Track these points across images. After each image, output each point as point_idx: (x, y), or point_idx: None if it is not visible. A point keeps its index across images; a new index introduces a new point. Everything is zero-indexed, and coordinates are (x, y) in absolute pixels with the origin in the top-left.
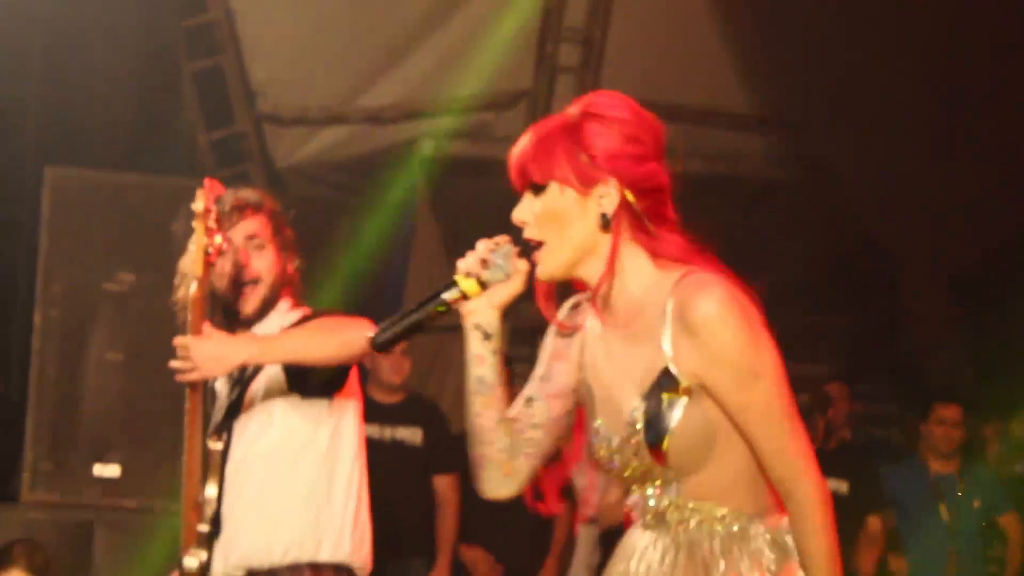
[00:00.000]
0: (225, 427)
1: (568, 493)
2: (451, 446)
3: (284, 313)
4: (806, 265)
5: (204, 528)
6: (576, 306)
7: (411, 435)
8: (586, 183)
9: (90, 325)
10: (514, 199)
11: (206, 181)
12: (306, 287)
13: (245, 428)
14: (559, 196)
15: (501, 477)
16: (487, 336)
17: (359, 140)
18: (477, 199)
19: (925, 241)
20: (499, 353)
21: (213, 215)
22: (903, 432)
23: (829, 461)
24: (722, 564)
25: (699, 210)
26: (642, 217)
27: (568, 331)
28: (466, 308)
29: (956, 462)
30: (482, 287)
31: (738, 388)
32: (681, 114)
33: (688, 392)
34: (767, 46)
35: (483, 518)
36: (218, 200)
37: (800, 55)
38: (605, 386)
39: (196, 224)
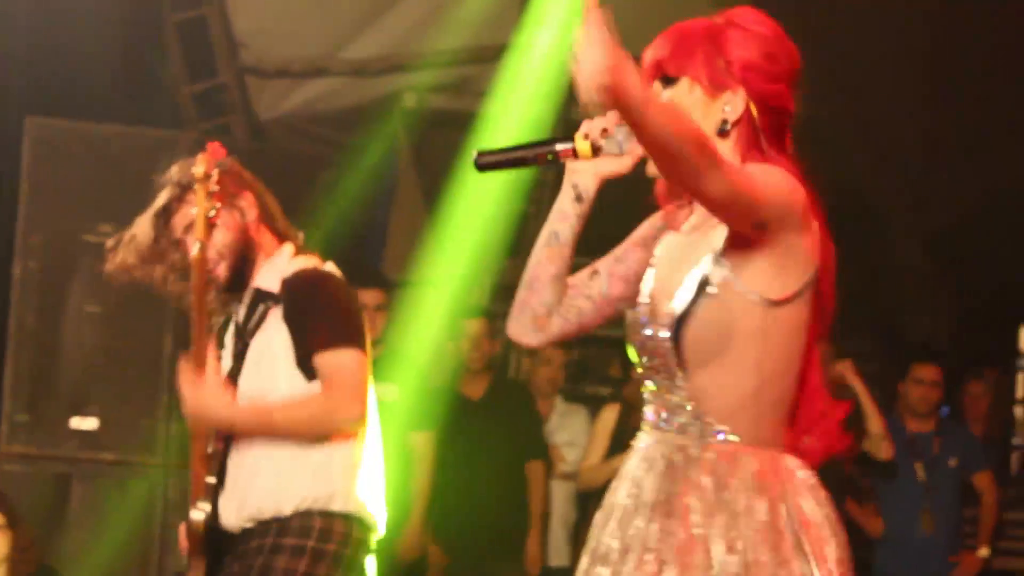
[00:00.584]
0: (232, 378)
1: (542, 450)
2: (427, 403)
3: (286, 261)
4: None
5: (211, 480)
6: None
7: (386, 392)
8: (716, 86)
9: (69, 277)
10: None
11: (209, 145)
12: None
13: (252, 380)
14: (687, 92)
15: (530, 326)
16: (579, 198)
17: (342, 93)
18: (459, 153)
19: (905, 198)
20: (581, 220)
21: (214, 179)
22: (882, 391)
23: None
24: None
25: None
26: (759, 133)
27: (668, 223)
28: (571, 165)
29: (933, 421)
30: (594, 152)
31: None
32: None
33: (720, 285)
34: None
35: (459, 476)
36: (218, 164)
37: (795, 25)
38: (660, 274)
39: (197, 188)
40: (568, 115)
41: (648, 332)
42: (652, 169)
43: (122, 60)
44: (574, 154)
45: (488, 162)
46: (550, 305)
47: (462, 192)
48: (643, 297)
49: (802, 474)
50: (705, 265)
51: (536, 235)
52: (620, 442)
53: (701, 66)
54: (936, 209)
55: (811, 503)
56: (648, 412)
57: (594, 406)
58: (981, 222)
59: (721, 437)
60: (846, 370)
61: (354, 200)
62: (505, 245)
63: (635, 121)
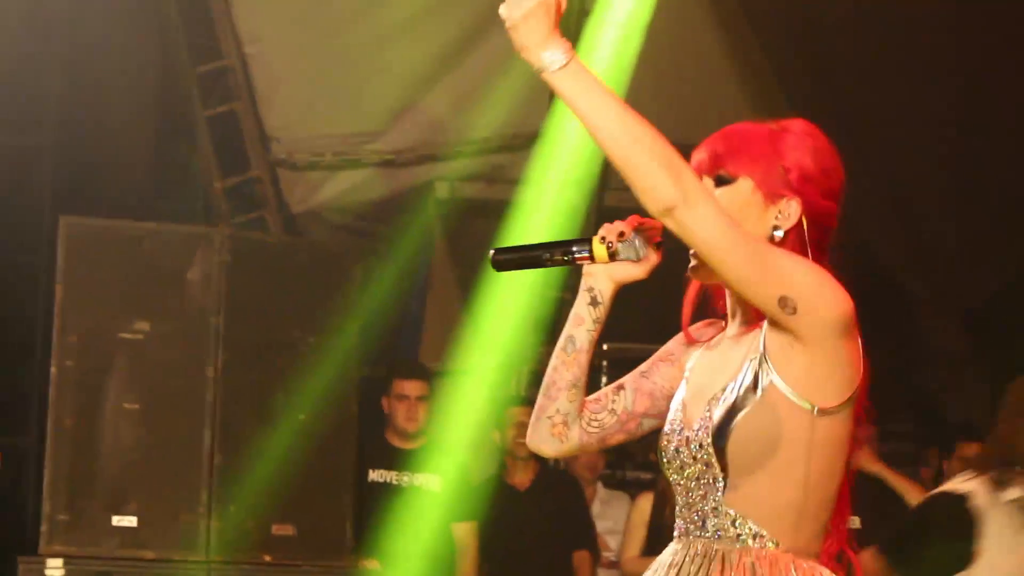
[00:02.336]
0: None
1: (590, 540)
2: (470, 494)
3: None
4: None
5: None
6: (711, 324)
7: (429, 481)
8: (776, 192)
9: (106, 374)
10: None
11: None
12: (324, 333)
13: None
14: (746, 194)
15: (548, 434)
16: (594, 303)
17: (374, 184)
18: (493, 241)
19: (940, 277)
20: (598, 325)
21: None
22: (915, 470)
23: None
24: None
25: None
26: (807, 247)
27: (692, 342)
28: (587, 269)
29: None
30: (611, 257)
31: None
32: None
33: (766, 389)
34: (783, 86)
35: (506, 566)
36: None
37: (815, 93)
38: (696, 383)
39: None
40: (601, 202)
41: (685, 439)
42: (693, 275)
43: (154, 156)
44: (591, 258)
45: (504, 260)
46: (567, 414)
47: (497, 280)
48: (676, 408)
49: None
50: (749, 368)
51: None
52: (657, 531)
53: (763, 170)
54: (970, 286)
55: None
56: (680, 523)
57: (636, 492)
58: (1016, 297)
59: (760, 543)
60: (864, 460)
61: (389, 291)
62: (541, 332)
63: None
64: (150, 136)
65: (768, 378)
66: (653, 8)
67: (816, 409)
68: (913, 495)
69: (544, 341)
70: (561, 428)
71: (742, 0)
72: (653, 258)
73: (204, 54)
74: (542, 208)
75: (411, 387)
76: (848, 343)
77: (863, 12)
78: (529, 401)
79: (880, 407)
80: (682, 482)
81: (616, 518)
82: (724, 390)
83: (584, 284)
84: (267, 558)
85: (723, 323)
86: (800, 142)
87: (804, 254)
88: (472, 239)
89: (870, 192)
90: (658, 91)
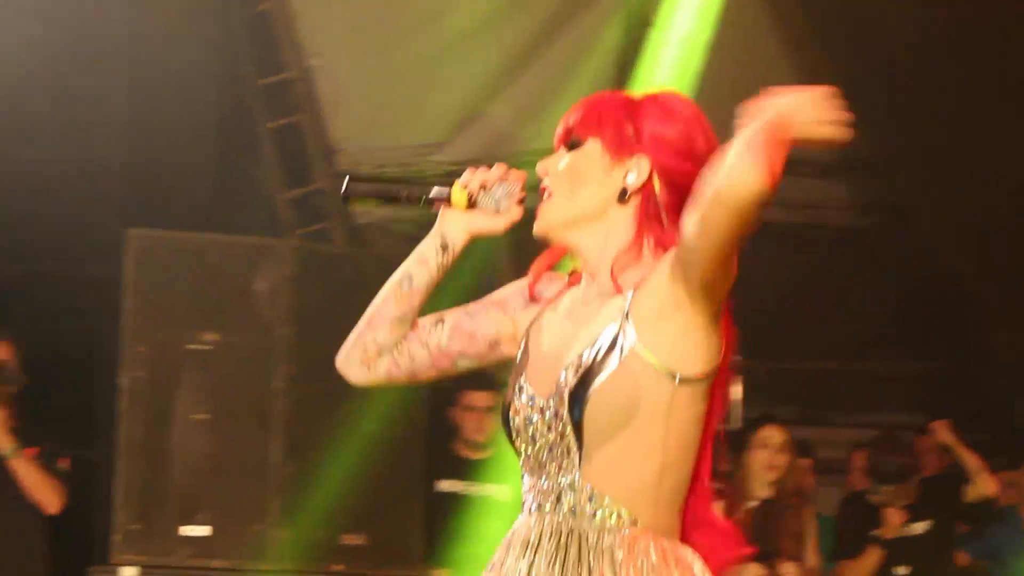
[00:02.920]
0: None
1: None
2: None
3: None
4: (890, 312)
5: None
6: (550, 278)
7: (500, 491)
8: (621, 151)
9: (175, 385)
10: None
11: None
12: None
13: None
14: (590, 155)
15: (358, 359)
16: (444, 248)
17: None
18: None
19: (1011, 285)
20: (441, 272)
21: None
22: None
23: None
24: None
25: (783, 258)
26: (661, 208)
27: (534, 300)
28: (443, 213)
29: None
30: (469, 205)
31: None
32: None
33: (629, 354)
34: (849, 92)
35: None
36: None
37: (883, 101)
38: (548, 350)
39: None
40: None
41: (539, 408)
42: (539, 229)
43: (219, 169)
44: (448, 202)
45: (357, 191)
46: (383, 345)
47: None
48: (521, 374)
49: (699, 568)
50: (610, 332)
51: None
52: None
53: (610, 129)
54: None
55: None
56: (528, 498)
57: None
58: None
59: (617, 522)
60: (940, 430)
61: (456, 300)
62: None
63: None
64: (215, 149)
65: (629, 342)
66: (717, 20)
67: (678, 377)
68: (971, 461)
69: None
70: (372, 356)
71: (806, 11)
72: (514, 213)
73: (267, 67)
74: None
75: (479, 398)
76: (717, 319)
77: (930, 22)
78: None
79: (950, 416)
80: (532, 454)
81: None
82: (581, 356)
83: (437, 227)
84: (337, 568)
85: (564, 279)
86: (660, 108)
87: (656, 215)
88: (537, 250)
89: (939, 202)
90: (721, 102)
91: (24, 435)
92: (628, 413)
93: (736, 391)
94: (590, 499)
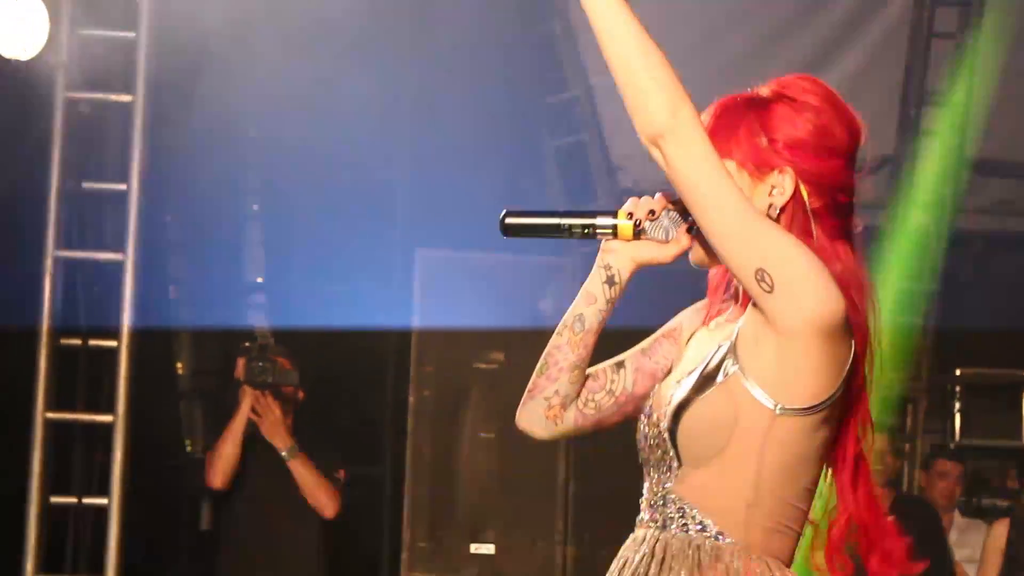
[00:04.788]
0: None
1: (948, 570)
2: (944, 549)
3: None
4: None
5: None
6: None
7: None
8: (761, 168)
9: (463, 404)
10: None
11: None
12: None
13: None
14: (733, 177)
15: (541, 415)
16: (611, 282)
17: None
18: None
19: None
20: (610, 305)
21: None
22: None
23: None
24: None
25: None
26: (811, 218)
27: (704, 320)
28: (607, 244)
29: None
30: (636, 235)
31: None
32: None
33: (728, 374)
34: None
35: None
36: None
37: None
38: (679, 365)
39: None
40: (953, 226)
41: (653, 421)
42: (696, 258)
43: (503, 188)
44: (613, 233)
45: (517, 225)
46: (566, 396)
47: None
48: (654, 390)
49: None
50: (717, 353)
51: (924, 347)
52: (1013, 560)
53: (745, 147)
54: None
55: None
56: (643, 509)
57: (992, 520)
58: None
59: (705, 535)
60: None
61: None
62: (895, 358)
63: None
64: (499, 169)
65: (732, 367)
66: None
67: (779, 407)
68: None
69: (898, 367)
70: (557, 411)
71: None
72: (683, 241)
73: (552, 85)
74: (893, 232)
75: None
76: (831, 346)
77: None
78: (883, 426)
79: None
80: (651, 466)
81: (974, 546)
82: (690, 373)
83: (601, 260)
84: None
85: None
86: (788, 106)
87: (807, 227)
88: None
89: None
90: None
91: (306, 451)
92: (721, 435)
93: None
94: (681, 512)
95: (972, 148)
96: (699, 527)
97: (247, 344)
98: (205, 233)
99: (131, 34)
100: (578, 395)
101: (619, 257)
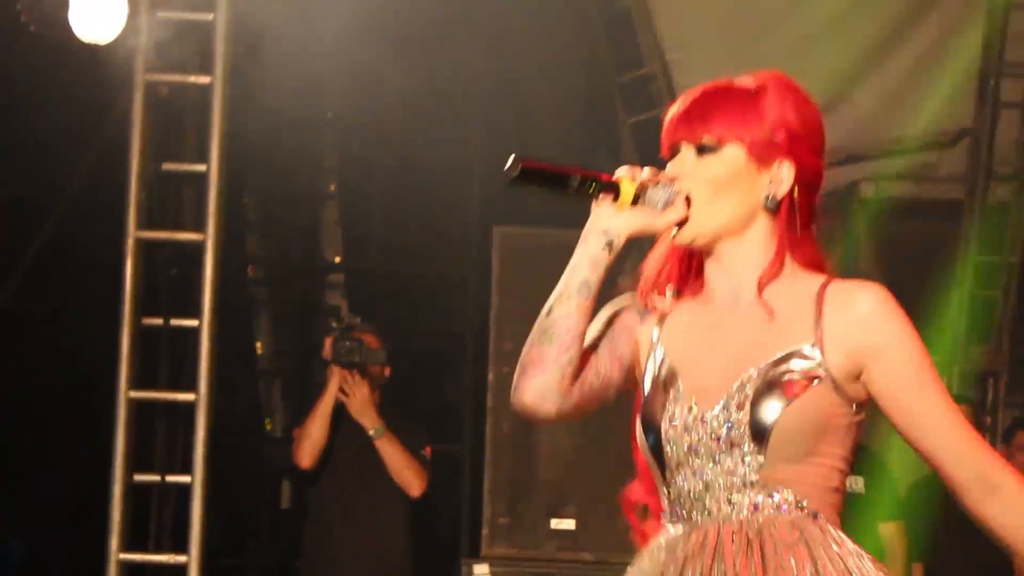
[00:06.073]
0: None
1: None
2: (893, 492)
3: None
4: None
5: None
6: (653, 290)
7: (853, 482)
8: (765, 158)
9: None
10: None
11: None
12: None
13: None
14: (732, 162)
15: (554, 388)
16: (610, 247)
17: None
18: (920, 241)
19: None
20: (606, 272)
21: None
22: None
23: None
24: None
25: None
26: (796, 211)
27: (648, 310)
28: (605, 206)
29: None
30: (635, 200)
31: (917, 367)
32: None
33: (817, 377)
34: None
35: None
36: None
37: None
38: (702, 360)
39: None
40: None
41: (698, 417)
42: (686, 238)
43: (580, 164)
44: (613, 196)
45: (527, 173)
46: (577, 368)
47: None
48: (674, 387)
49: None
50: (795, 353)
51: (1004, 321)
52: None
53: (751, 134)
54: None
55: None
56: (679, 508)
57: None
58: None
59: (802, 511)
60: None
61: None
62: (975, 332)
63: None
64: (576, 144)
65: (818, 367)
66: None
67: (855, 404)
68: None
69: (979, 341)
70: (570, 381)
71: None
72: (680, 211)
73: (627, 62)
74: (972, 205)
75: None
76: None
77: None
78: (964, 399)
79: None
80: (694, 464)
81: None
82: (765, 367)
83: (597, 225)
84: None
85: (674, 289)
86: (781, 97)
87: (793, 221)
88: (900, 240)
89: None
90: None
91: (391, 430)
92: (815, 434)
93: None
94: (770, 495)
95: None
96: (796, 504)
97: (333, 323)
98: (283, 213)
99: (209, 16)
100: (581, 367)
101: (617, 222)
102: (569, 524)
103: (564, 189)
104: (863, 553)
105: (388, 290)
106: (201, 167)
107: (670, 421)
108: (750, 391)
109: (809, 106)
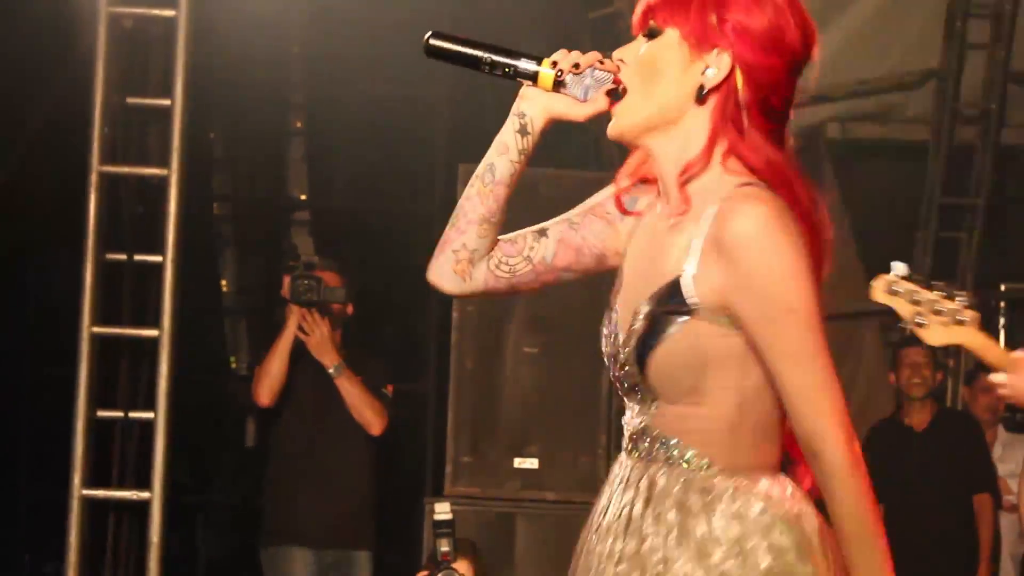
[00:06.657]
0: None
1: (991, 483)
2: (987, 462)
3: None
4: None
5: None
6: (641, 186)
7: None
8: (701, 43)
9: (506, 319)
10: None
11: None
12: None
13: None
14: (669, 46)
15: (449, 269)
16: (523, 131)
17: None
18: (886, 182)
19: None
20: (524, 157)
21: None
22: None
23: None
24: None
25: None
26: (741, 109)
27: (624, 212)
28: (525, 90)
29: None
30: (555, 86)
31: (765, 320)
32: None
33: (689, 312)
34: None
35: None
36: None
37: None
38: (633, 277)
39: None
40: (998, 139)
41: (620, 343)
42: (613, 131)
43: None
44: (533, 80)
45: (439, 48)
46: (474, 250)
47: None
48: (615, 305)
49: (778, 494)
50: (676, 283)
51: (968, 262)
52: None
53: (690, 17)
54: None
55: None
56: (624, 436)
57: None
58: None
59: (692, 465)
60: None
61: None
62: (941, 272)
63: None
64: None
65: (691, 300)
66: None
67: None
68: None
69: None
70: (465, 265)
71: None
72: (600, 102)
73: (596, 0)
74: (939, 147)
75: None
76: None
77: None
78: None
79: None
80: (624, 392)
81: (1019, 461)
82: (650, 299)
83: (516, 107)
84: None
85: (655, 189)
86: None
87: (736, 116)
88: (864, 180)
89: None
90: None
91: (352, 368)
92: (695, 371)
93: None
94: (664, 444)
95: (1019, 62)
96: (685, 458)
97: (292, 262)
98: (249, 150)
99: None
100: (489, 252)
101: (534, 106)
102: (532, 463)
103: (478, 68)
104: (751, 514)
105: (353, 227)
106: (166, 102)
107: (605, 343)
108: (637, 326)
109: (786, 12)
